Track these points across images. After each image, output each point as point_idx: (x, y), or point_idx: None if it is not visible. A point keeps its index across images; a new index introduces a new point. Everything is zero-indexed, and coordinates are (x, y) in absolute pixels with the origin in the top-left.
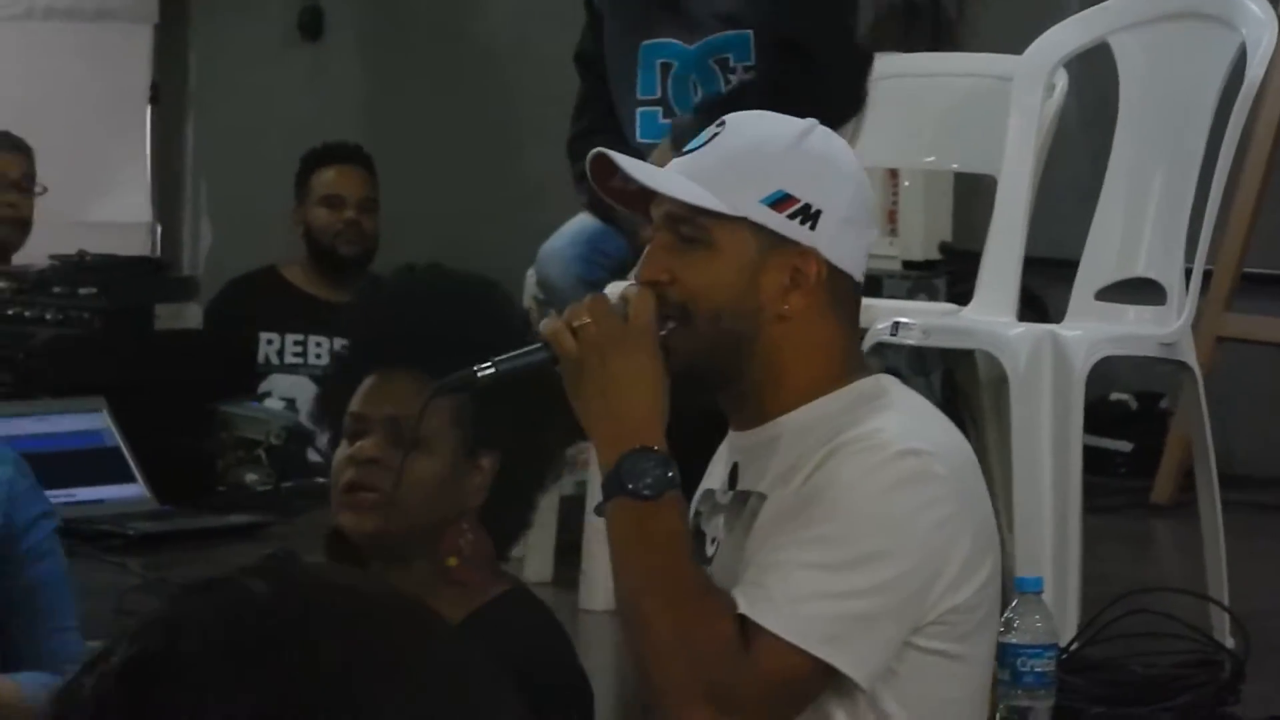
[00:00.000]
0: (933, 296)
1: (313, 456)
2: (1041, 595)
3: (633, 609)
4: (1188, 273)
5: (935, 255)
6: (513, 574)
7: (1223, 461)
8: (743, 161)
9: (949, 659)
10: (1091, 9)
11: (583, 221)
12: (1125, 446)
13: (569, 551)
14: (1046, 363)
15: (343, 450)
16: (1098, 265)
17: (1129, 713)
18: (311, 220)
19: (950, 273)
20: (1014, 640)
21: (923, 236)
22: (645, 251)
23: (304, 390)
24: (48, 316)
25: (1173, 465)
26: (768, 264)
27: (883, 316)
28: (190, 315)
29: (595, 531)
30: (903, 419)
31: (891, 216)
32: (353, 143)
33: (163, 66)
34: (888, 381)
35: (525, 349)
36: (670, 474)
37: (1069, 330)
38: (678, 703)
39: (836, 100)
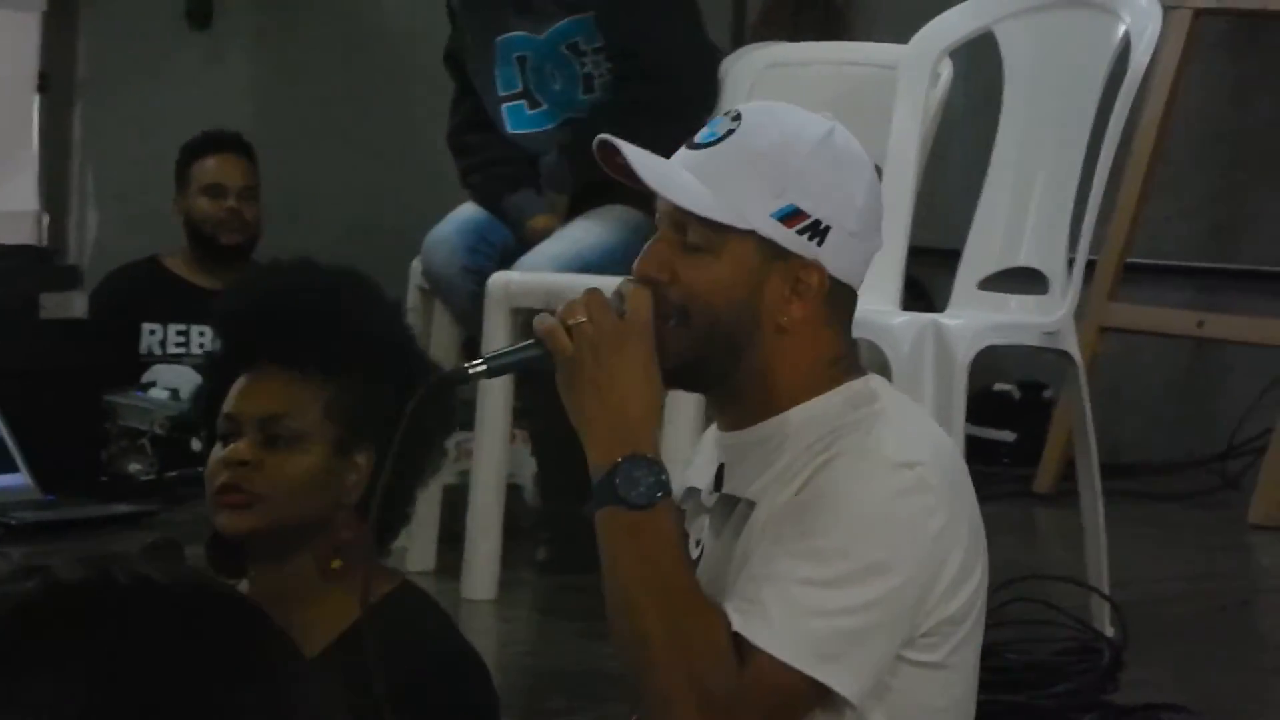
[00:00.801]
0: None
1: (196, 446)
2: None
3: (626, 619)
4: (1072, 262)
5: None
6: (395, 569)
7: (1107, 451)
8: (756, 166)
9: (938, 669)
10: None
11: (468, 210)
12: (1009, 436)
13: (452, 541)
14: (929, 351)
15: (217, 452)
16: (981, 255)
17: (1009, 700)
18: (192, 210)
19: None
20: None
21: None
22: (646, 246)
23: (187, 380)
24: None
25: (1055, 455)
26: (771, 275)
27: None
28: (76, 304)
29: (477, 520)
30: (899, 427)
31: None
32: (232, 131)
33: (51, 55)
34: (877, 383)
35: (519, 345)
36: (664, 480)
37: (951, 319)
38: (673, 713)
39: (689, 109)
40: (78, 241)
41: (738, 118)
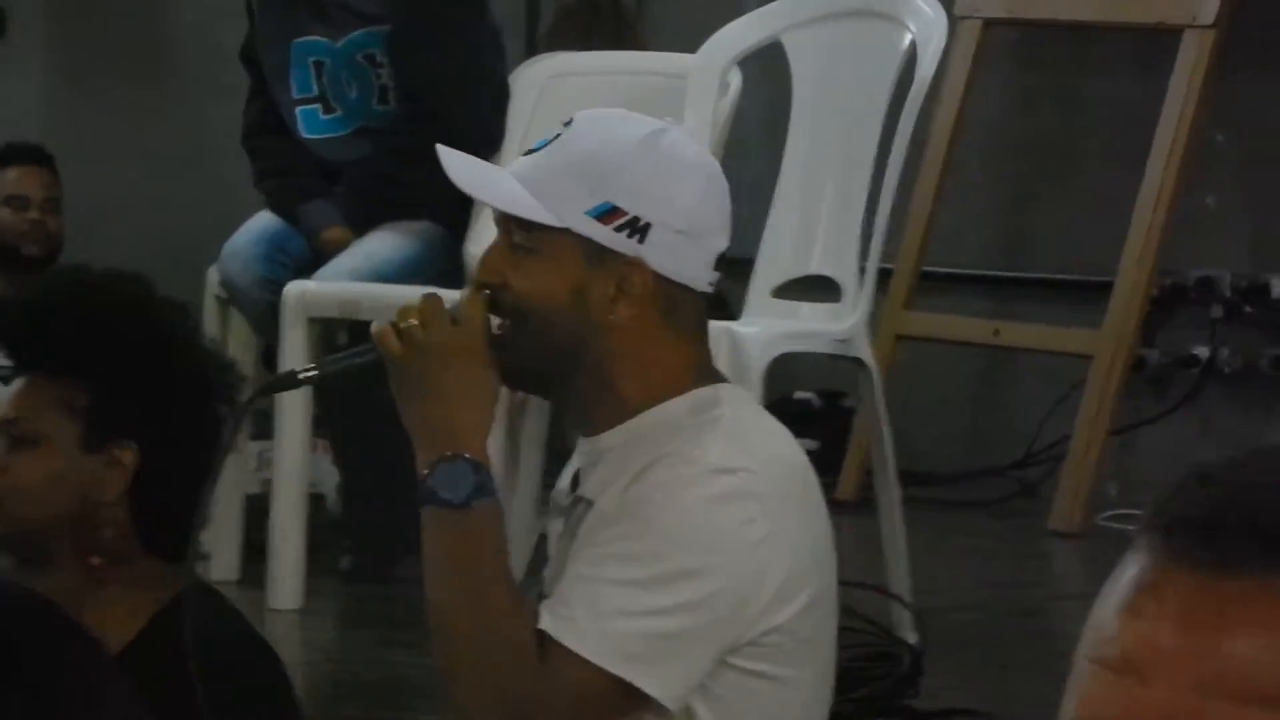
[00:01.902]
0: None
1: None
2: None
3: (438, 619)
4: (863, 270)
5: None
6: (189, 569)
7: (907, 459)
8: (576, 167)
9: (769, 681)
10: (765, 7)
11: (265, 220)
12: (810, 445)
13: (256, 551)
14: (723, 359)
15: None
16: (774, 263)
17: None
18: None
19: None
20: None
21: None
22: (484, 250)
23: None
24: None
25: (856, 462)
26: (595, 275)
27: None
28: None
29: (280, 530)
30: (727, 434)
31: None
32: (34, 143)
33: None
34: (726, 391)
35: (355, 349)
36: (484, 482)
37: (745, 327)
38: (476, 714)
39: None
40: None
41: (569, 123)
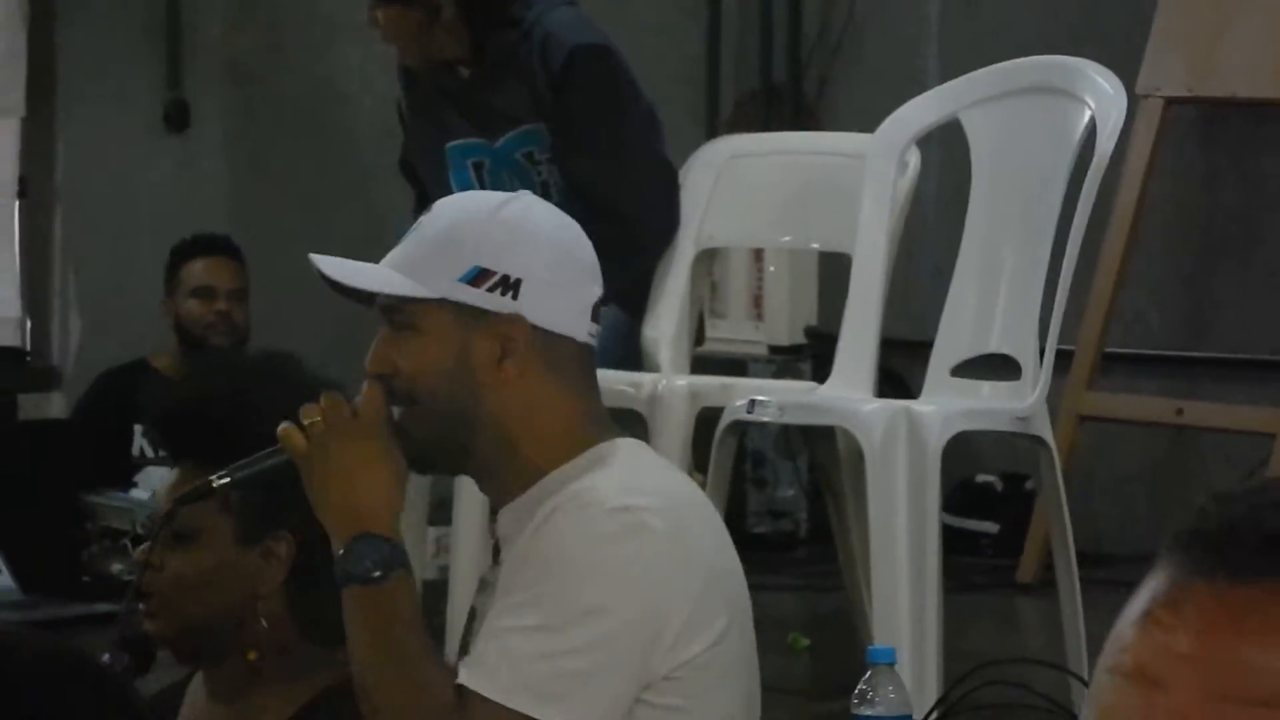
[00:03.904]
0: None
1: None
2: (895, 666)
3: (361, 686)
4: (1043, 348)
5: (800, 339)
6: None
7: (1089, 540)
8: (439, 243)
9: (685, 715)
10: (943, 86)
11: None
12: (991, 528)
13: (434, 635)
14: (901, 437)
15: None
16: (953, 341)
17: None
18: (182, 312)
19: (815, 356)
20: (867, 712)
21: (788, 321)
22: (371, 347)
23: None
24: None
25: (1037, 544)
26: (476, 338)
27: (741, 395)
28: (54, 405)
29: (458, 614)
30: (620, 474)
31: (757, 301)
32: (221, 234)
33: (30, 160)
34: (624, 444)
35: (264, 451)
36: (393, 557)
37: (923, 405)
38: None
39: (647, 244)
40: (60, 345)
41: (428, 210)
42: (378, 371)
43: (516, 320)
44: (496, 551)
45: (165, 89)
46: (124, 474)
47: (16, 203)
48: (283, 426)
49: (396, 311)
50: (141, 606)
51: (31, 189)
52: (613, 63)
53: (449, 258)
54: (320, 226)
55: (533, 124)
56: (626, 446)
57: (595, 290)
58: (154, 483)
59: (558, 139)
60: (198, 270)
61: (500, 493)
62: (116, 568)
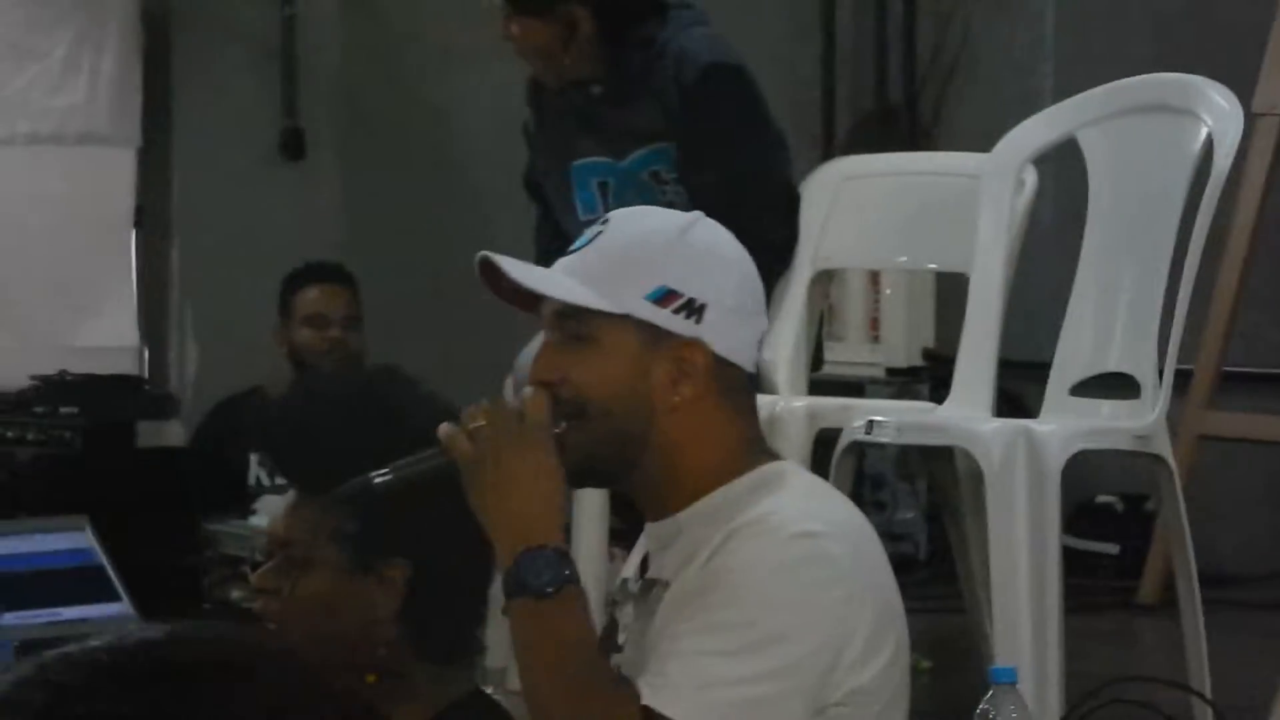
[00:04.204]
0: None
1: None
2: (1017, 686)
3: (537, 706)
4: (1163, 367)
5: (918, 361)
6: (469, 678)
7: (1210, 561)
8: (625, 258)
9: None
10: (1059, 105)
11: None
12: (1112, 549)
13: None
14: (1021, 457)
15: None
16: (1071, 360)
17: None
18: (296, 340)
19: (933, 378)
20: None
21: (905, 343)
22: (537, 352)
23: None
24: (29, 436)
25: (1158, 565)
26: (655, 358)
27: (859, 416)
28: (172, 432)
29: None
30: (797, 500)
31: (874, 324)
32: (334, 261)
33: (146, 189)
34: (788, 467)
35: (423, 454)
36: (567, 570)
37: (1043, 425)
38: None
39: (766, 256)
40: (178, 374)
41: (606, 221)
42: (545, 379)
43: (697, 345)
44: (644, 565)
45: (281, 117)
46: (241, 501)
47: (134, 233)
48: (445, 429)
49: (573, 321)
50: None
51: (148, 219)
52: (745, 82)
53: (636, 274)
54: (434, 255)
55: (661, 142)
56: (791, 470)
57: (764, 321)
58: (274, 510)
59: (685, 154)
60: (311, 298)
61: (655, 508)
62: (236, 594)
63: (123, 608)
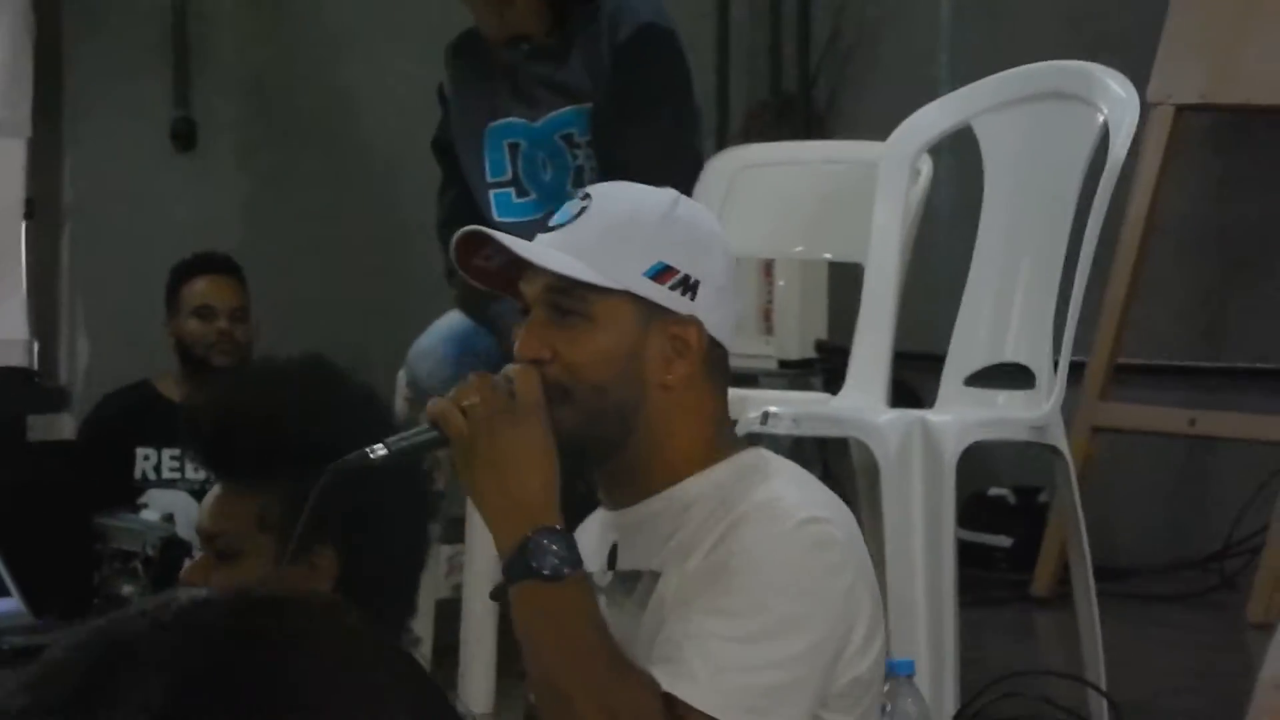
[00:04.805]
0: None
1: None
2: (913, 678)
3: (553, 691)
4: (1057, 357)
5: (811, 353)
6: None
7: (1104, 553)
8: (619, 233)
9: None
10: (954, 93)
11: (452, 320)
12: (1005, 541)
13: (447, 654)
14: (917, 448)
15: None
16: (966, 351)
17: None
18: (184, 332)
19: (826, 370)
20: None
21: (798, 334)
22: (523, 329)
23: (182, 505)
24: None
25: (1051, 557)
26: (650, 334)
27: (754, 407)
28: (64, 426)
29: (472, 633)
30: (792, 487)
31: (767, 315)
32: (222, 253)
33: (37, 181)
34: (766, 453)
35: (414, 430)
36: (573, 552)
37: (938, 415)
38: None
39: None
40: (69, 367)
41: (587, 197)
42: (534, 356)
43: (692, 323)
44: (613, 554)
45: (174, 106)
46: (129, 496)
47: (24, 224)
48: (437, 405)
49: (567, 297)
50: None
51: (39, 210)
52: (678, 49)
53: (632, 250)
54: (334, 241)
55: (582, 104)
56: (770, 455)
57: (741, 303)
58: (163, 504)
59: (608, 111)
60: (198, 290)
61: (626, 494)
62: (128, 589)
63: (12, 603)
